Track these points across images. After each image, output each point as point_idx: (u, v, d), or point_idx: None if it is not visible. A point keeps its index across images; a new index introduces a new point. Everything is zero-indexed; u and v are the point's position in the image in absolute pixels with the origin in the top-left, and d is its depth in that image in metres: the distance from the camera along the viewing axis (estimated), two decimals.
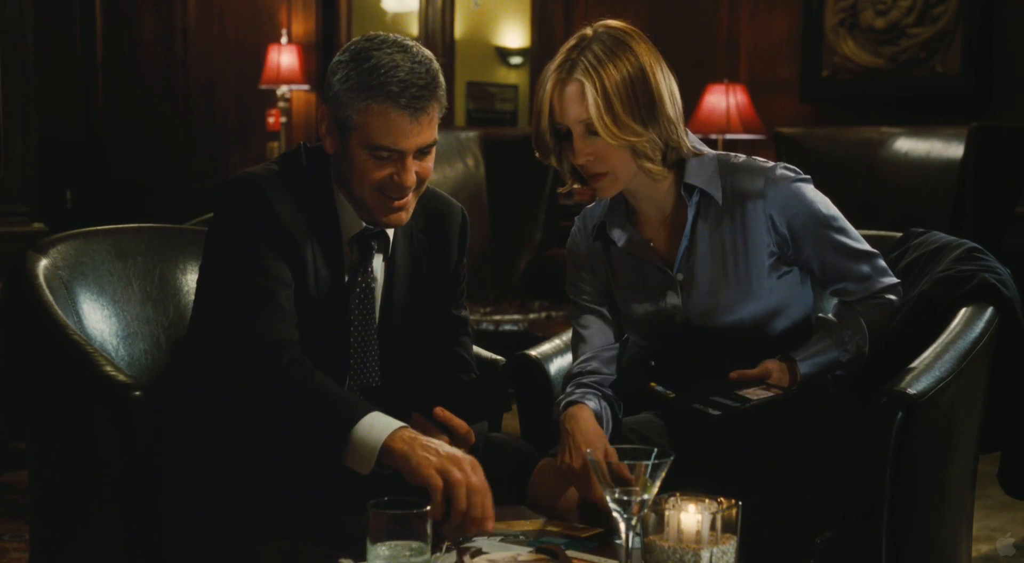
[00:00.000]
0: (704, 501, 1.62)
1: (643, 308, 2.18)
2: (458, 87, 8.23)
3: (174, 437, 1.96)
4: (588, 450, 1.88)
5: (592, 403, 2.12)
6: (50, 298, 2.11)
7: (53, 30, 6.81)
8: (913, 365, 1.95)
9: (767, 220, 2.09)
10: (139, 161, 7.36)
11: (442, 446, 1.81)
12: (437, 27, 7.33)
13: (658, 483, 1.60)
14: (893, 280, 2.16)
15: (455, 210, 2.25)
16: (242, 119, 7.27)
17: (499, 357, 2.47)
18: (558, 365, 2.40)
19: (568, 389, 2.16)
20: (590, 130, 2.03)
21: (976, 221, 4.25)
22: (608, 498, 1.61)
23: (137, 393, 1.92)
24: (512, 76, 9.45)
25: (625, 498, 1.59)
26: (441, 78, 2.01)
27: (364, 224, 2.08)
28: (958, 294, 2.14)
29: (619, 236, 2.19)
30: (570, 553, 1.77)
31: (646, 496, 1.59)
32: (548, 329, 4.22)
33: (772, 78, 6.27)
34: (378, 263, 2.13)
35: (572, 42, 2.07)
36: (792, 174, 2.12)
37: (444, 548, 1.74)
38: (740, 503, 1.62)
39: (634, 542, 1.62)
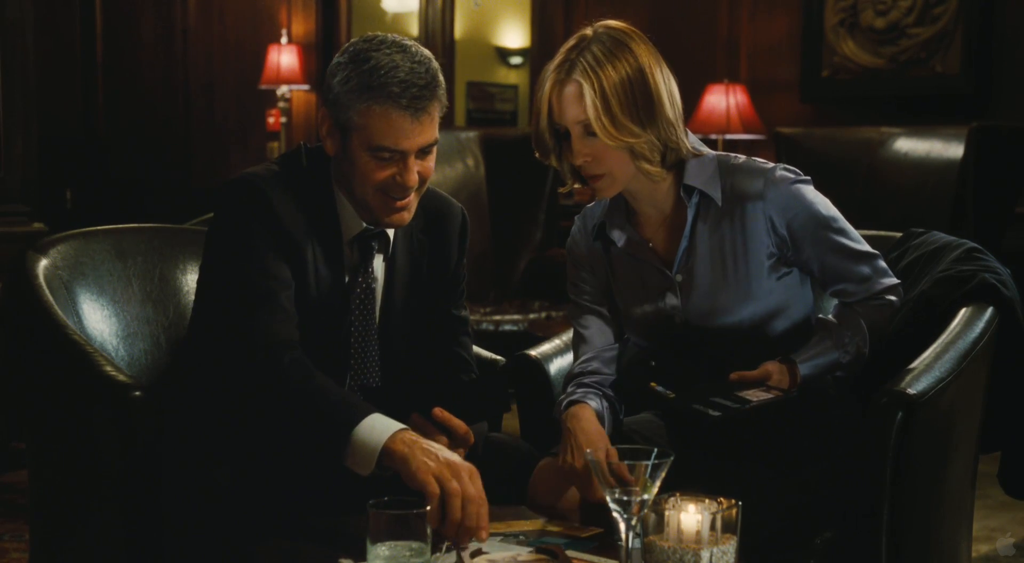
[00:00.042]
0: (704, 501, 1.62)
1: (643, 309, 2.18)
2: (458, 87, 8.23)
3: (174, 437, 1.96)
4: (588, 450, 1.88)
5: (594, 403, 2.12)
6: (50, 298, 2.11)
7: (53, 30, 6.81)
8: (913, 365, 1.95)
9: (767, 221, 2.09)
10: (139, 161, 7.36)
11: (442, 451, 1.81)
12: (437, 27, 7.33)
13: (658, 483, 1.60)
14: (893, 281, 2.16)
15: (455, 210, 2.25)
16: (242, 119, 7.27)
17: (499, 357, 2.47)
18: (558, 365, 2.40)
19: (569, 389, 2.16)
20: (588, 131, 2.03)
21: (976, 221, 4.25)
22: (608, 498, 1.61)
23: (137, 393, 1.92)
24: (512, 76, 9.44)
25: (625, 498, 1.59)
26: (441, 77, 2.01)
27: (364, 224, 2.08)
28: (958, 294, 2.14)
29: (619, 236, 2.19)
30: (570, 553, 1.77)
31: (646, 496, 1.59)
32: (548, 329, 4.22)
33: (772, 78, 6.27)
34: (378, 263, 2.13)
35: (572, 42, 2.07)
36: (792, 175, 2.11)
37: (444, 548, 1.74)
38: (740, 503, 1.62)
39: (634, 542, 1.62)
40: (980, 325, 2.08)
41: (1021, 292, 2.22)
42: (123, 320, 2.26)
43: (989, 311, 2.12)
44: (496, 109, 9.38)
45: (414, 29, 7.62)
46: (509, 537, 1.85)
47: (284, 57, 6.90)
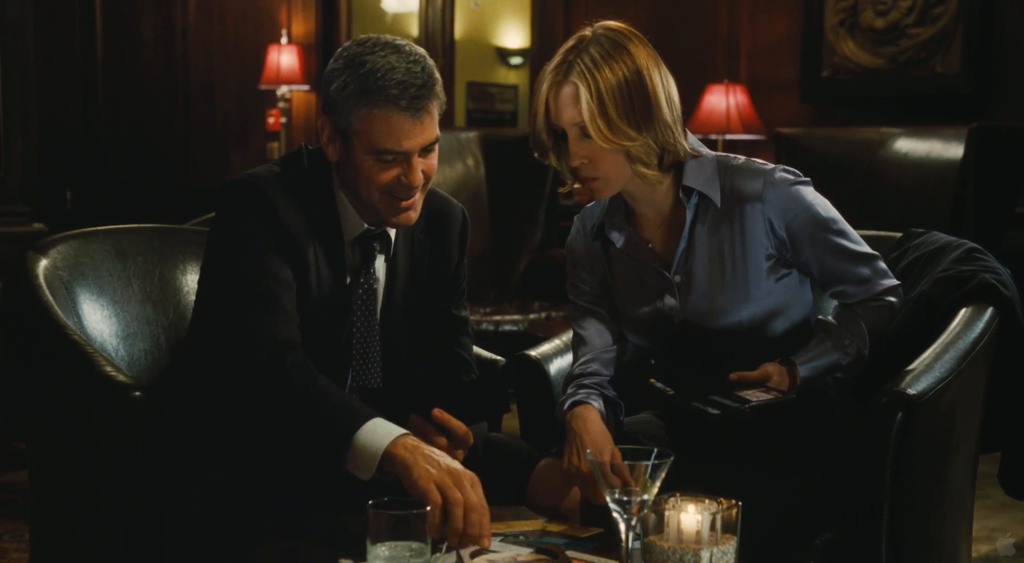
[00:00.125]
0: (704, 501, 1.62)
1: (641, 309, 2.18)
2: (458, 87, 8.22)
3: (174, 437, 1.96)
4: (588, 451, 1.88)
5: (596, 404, 2.12)
6: (50, 298, 2.11)
7: (53, 30, 6.81)
8: (913, 365, 1.95)
9: (765, 223, 2.09)
10: (139, 161, 7.36)
11: (444, 458, 1.81)
12: (437, 27, 7.33)
13: (658, 483, 1.60)
14: (893, 282, 2.15)
15: (456, 210, 2.25)
16: (242, 119, 7.27)
17: (499, 357, 2.47)
18: (558, 365, 2.40)
19: (570, 390, 2.16)
20: (584, 133, 2.03)
21: (976, 221, 4.25)
22: (608, 498, 1.61)
23: (137, 393, 1.92)
24: (512, 76, 9.44)
25: (625, 498, 1.59)
26: (437, 74, 2.01)
27: (366, 225, 2.08)
28: (958, 294, 2.14)
29: (618, 237, 2.18)
30: (570, 553, 1.77)
31: (646, 496, 1.59)
32: (548, 329, 4.22)
33: (772, 78, 6.26)
34: (380, 264, 2.13)
35: (570, 43, 2.06)
36: (791, 176, 2.11)
37: (444, 548, 1.74)
38: (740, 503, 1.62)
39: (634, 542, 1.62)
40: (980, 325, 2.08)
41: (1021, 292, 2.22)
42: (123, 320, 2.26)
43: (989, 311, 2.12)
44: (496, 109, 9.38)
45: (414, 29, 7.63)
46: (509, 537, 1.85)
47: (284, 57, 6.90)
